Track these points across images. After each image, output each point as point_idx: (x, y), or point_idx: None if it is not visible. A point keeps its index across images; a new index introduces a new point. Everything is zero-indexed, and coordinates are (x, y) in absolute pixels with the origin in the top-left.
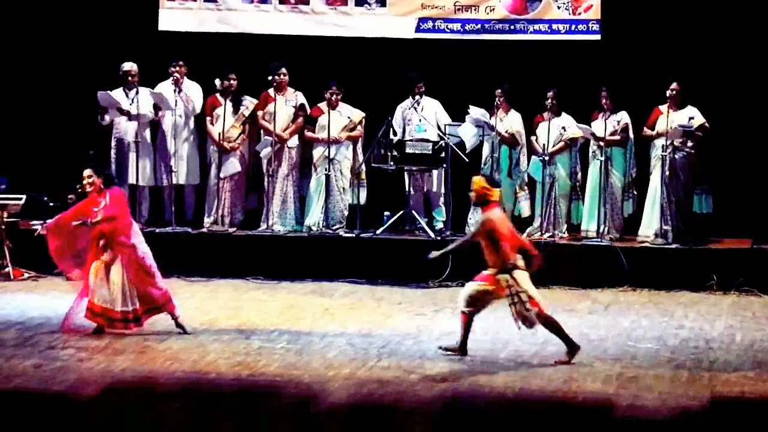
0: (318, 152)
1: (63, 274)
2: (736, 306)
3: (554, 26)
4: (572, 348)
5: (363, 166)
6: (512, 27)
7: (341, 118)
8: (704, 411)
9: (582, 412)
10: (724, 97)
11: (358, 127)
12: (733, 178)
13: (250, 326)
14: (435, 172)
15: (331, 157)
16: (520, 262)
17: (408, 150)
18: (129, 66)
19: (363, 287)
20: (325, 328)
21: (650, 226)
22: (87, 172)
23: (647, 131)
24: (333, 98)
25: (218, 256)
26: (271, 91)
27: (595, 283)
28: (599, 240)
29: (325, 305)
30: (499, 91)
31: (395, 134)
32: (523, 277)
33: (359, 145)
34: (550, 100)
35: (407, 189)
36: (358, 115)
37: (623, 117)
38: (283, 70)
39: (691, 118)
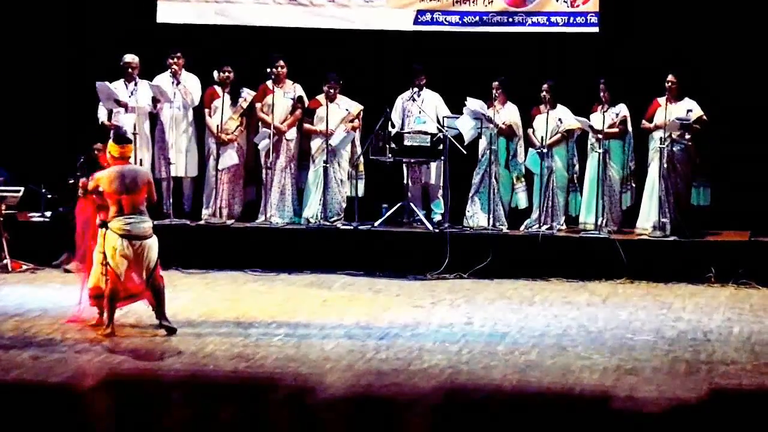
0: (316, 144)
1: (61, 265)
2: (734, 298)
3: (552, 19)
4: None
5: (361, 159)
6: (510, 19)
7: (339, 110)
8: (702, 403)
9: (580, 404)
10: (723, 90)
11: (356, 120)
12: (732, 171)
13: (248, 318)
14: (433, 165)
15: (330, 149)
16: (116, 224)
17: (406, 142)
18: (130, 58)
19: (361, 279)
20: (323, 320)
21: (648, 218)
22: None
23: (645, 124)
24: (331, 91)
25: (216, 248)
26: (269, 84)
27: (593, 275)
28: (597, 232)
29: (323, 297)
30: (497, 83)
31: (393, 126)
32: (110, 240)
33: (357, 138)
34: (545, 93)
35: (405, 181)
36: (356, 107)
37: (622, 109)
38: (282, 62)
39: (689, 111)
